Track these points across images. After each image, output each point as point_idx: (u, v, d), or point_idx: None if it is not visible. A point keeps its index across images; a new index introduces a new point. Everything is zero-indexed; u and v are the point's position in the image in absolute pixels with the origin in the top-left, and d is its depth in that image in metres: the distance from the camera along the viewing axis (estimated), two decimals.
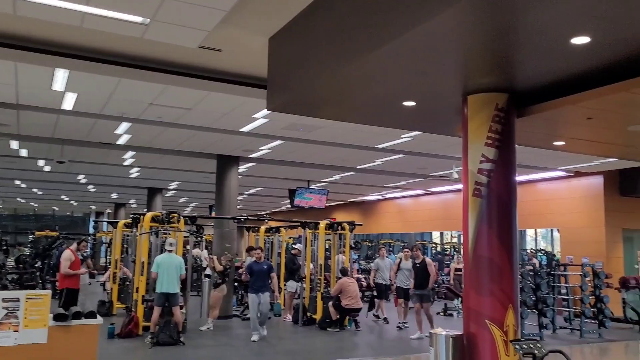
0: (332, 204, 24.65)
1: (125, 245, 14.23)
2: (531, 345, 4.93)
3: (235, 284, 13.55)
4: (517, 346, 4.88)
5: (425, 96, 5.89)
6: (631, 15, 3.73)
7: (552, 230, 16.69)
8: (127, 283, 12.53)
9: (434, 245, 23.35)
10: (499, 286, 5.46)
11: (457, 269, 13.96)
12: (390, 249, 26.22)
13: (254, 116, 9.00)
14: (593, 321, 11.51)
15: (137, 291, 10.06)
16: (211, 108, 8.64)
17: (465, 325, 5.65)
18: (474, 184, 5.66)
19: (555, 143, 7.23)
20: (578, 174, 14.33)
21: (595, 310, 11.46)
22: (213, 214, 14.85)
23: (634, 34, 4.08)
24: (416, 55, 4.62)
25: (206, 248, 17.95)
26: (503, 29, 4.09)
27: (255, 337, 9.45)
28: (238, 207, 14.15)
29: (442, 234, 22.52)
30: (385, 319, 12.36)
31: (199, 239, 13.54)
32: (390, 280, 12.44)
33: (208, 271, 12.05)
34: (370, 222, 22.89)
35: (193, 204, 28.57)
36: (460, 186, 17.42)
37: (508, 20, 3.92)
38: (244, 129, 10.00)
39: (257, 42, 6.22)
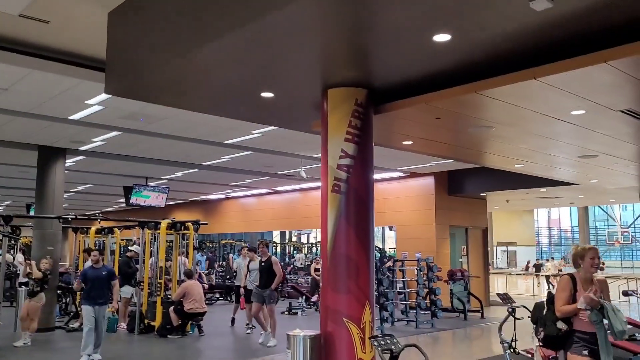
0: (172, 203, 23.40)
1: None
2: (388, 341, 4.90)
3: (59, 291, 12.07)
4: (375, 343, 4.81)
5: (284, 87, 5.62)
6: (484, 15, 3.82)
7: (383, 228, 17.61)
8: None
9: (274, 244, 23.38)
10: (356, 283, 5.39)
11: (316, 269, 13.97)
12: (232, 249, 25.78)
13: (87, 102, 7.96)
14: (426, 312, 12.27)
15: None
16: (33, 89, 7.46)
17: (322, 324, 5.49)
18: (334, 180, 5.53)
19: (405, 142, 7.46)
20: (413, 174, 15.26)
21: (428, 302, 12.23)
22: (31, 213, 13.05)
23: (488, 35, 4.22)
24: (272, 43, 4.35)
25: (22, 252, 15.90)
26: (360, 23, 3.99)
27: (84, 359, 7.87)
28: (64, 205, 12.59)
29: (282, 233, 22.64)
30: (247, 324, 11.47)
31: (13, 242, 11.79)
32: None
33: (23, 278, 10.46)
34: (213, 221, 22.16)
35: (6, 203, 25.26)
36: (305, 185, 17.46)
37: (365, 15, 3.83)
38: (74, 117, 8.84)
39: (94, 16, 5.42)
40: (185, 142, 10.77)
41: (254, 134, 10.15)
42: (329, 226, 5.51)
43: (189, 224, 11.49)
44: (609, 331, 4.19)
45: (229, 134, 10.32)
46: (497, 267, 37.78)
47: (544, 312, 4.56)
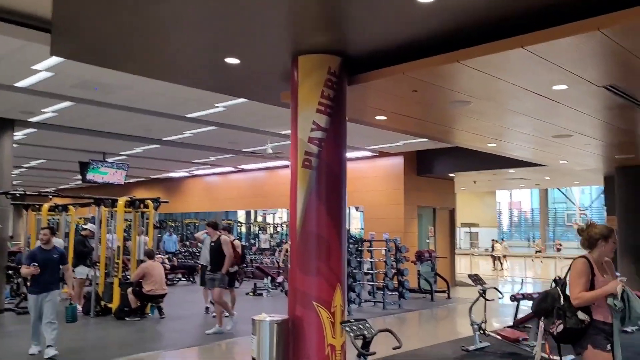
0: (132, 180, 22.61)
1: None
2: (360, 326, 4.60)
3: (9, 271, 11.40)
4: (347, 328, 4.50)
5: (250, 53, 5.18)
6: None
7: (349, 208, 17.37)
8: None
9: (239, 224, 22.91)
10: (327, 264, 5.06)
11: (287, 250, 13.55)
12: (195, 229, 25.19)
13: (34, 67, 7.31)
14: (394, 293, 12.10)
15: None
16: None
17: (290, 308, 5.15)
18: (304, 154, 5.15)
19: (378, 118, 7.11)
20: (382, 154, 14.99)
21: (396, 283, 12.05)
22: None
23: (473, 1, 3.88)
24: (236, 1, 3.90)
25: None
26: None
27: (34, 350, 7.12)
28: (15, 182, 11.85)
29: (247, 213, 22.18)
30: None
31: None
32: None
33: None
34: (175, 200, 21.53)
35: None
36: (272, 164, 17.01)
37: None
38: (21, 84, 8.15)
39: None
40: (145, 114, 10.17)
41: (218, 107, 9.64)
42: (298, 203, 5.13)
43: (149, 201, 10.94)
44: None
45: (191, 107, 9.78)
46: (460, 248, 38.26)
47: (562, 302, 3.91)
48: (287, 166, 17.17)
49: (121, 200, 10.76)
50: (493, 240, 26.62)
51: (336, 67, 5.20)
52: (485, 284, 8.23)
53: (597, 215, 43.15)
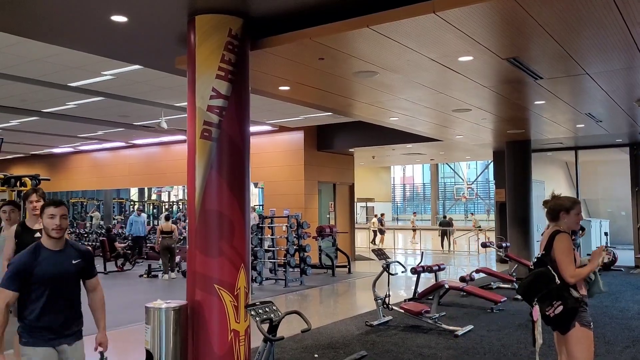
0: (9, 157, 20.56)
1: None
2: (267, 309, 4.29)
3: None
4: (252, 312, 4.17)
5: (140, 9, 4.59)
6: None
7: None
8: None
9: (132, 203, 21.67)
10: (230, 244, 4.68)
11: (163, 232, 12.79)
12: (83, 208, 23.52)
13: None
14: (295, 270, 11.94)
15: None
16: None
17: (189, 293, 4.73)
18: (203, 124, 4.68)
19: (281, 88, 6.75)
20: (282, 129, 14.67)
21: (298, 259, 11.89)
22: None
23: None
24: None
25: None
26: None
27: None
28: None
29: (140, 190, 21.02)
30: None
31: None
32: None
33: None
34: (59, 178, 19.86)
35: None
36: (166, 138, 16.11)
37: None
38: None
39: None
40: (20, 82, 9.05)
41: (105, 75, 8.78)
42: (197, 178, 4.68)
43: (27, 179, 9.84)
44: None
45: (74, 75, 8.82)
46: (357, 223, 39.16)
47: (557, 282, 3.65)
48: (183, 141, 16.47)
49: None
50: (375, 215, 27.21)
51: (238, 29, 4.76)
52: (389, 258, 8.24)
53: (482, 188, 46.11)
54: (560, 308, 3.65)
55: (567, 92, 7.14)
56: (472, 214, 31.06)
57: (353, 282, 12.42)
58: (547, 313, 3.70)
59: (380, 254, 8.26)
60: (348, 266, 13.79)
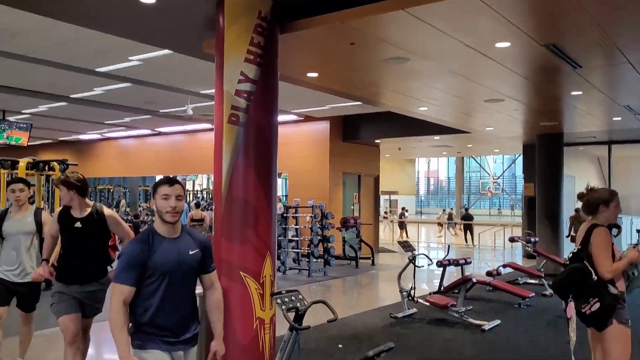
0: (38, 142, 20.86)
1: None
2: (293, 298, 4.20)
3: None
4: (278, 300, 4.08)
5: None
6: None
7: None
8: None
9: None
10: (256, 232, 4.59)
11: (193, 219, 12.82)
12: (110, 195, 23.83)
13: None
14: (318, 260, 11.86)
15: None
16: None
17: None
18: (231, 109, 4.58)
19: (309, 75, 6.62)
20: (307, 118, 14.55)
21: (321, 249, 11.81)
22: None
23: None
24: None
25: None
26: None
27: None
28: None
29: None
30: None
31: None
32: None
33: None
34: (86, 164, 20.06)
35: None
36: (191, 127, 16.12)
37: None
38: None
39: None
40: (48, 67, 9.07)
41: (132, 60, 8.74)
42: (223, 165, 4.59)
43: (55, 164, 9.91)
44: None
45: (101, 59, 8.81)
46: (381, 215, 38.93)
47: (594, 279, 3.51)
48: (208, 130, 16.49)
49: (22, 162, 9.68)
50: (402, 208, 26.97)
51: (267, 11, 4.64)
52: (414, 250, 8.10)
53: (508, 183, 45.42)
54: (597, 305, 3.50)
55: (606, 82, 6.87)
56: (443, 210, 30.05)
57: (376, 274, 12.30)
58: (583, 310, 3.56)
59: (406, 245, 8.11)
60: (372, 258, 13.66)
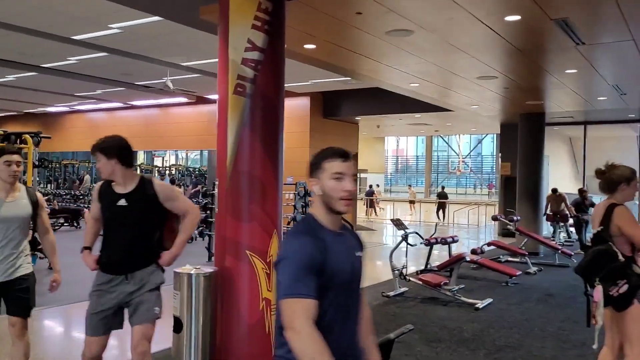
0: (3, 114, 19.96)
1: None
2: None
3: None
4: None
5: None
6: None
7: None
8: None
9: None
10: (263, 208, 4.38)
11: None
12: (75, 170, 23.10)
13: None
14: None
15: None
16: None
17: (218, 259, 4.45)
18: (237, 79, 4.32)
19: (306, 46, 6.36)
20: (288, 94, 14.15)
21: None
22: None
23: None
24: None
25: None
26: None
27: None
28: None
29: (134, 154, 20.64)
30: None
31: None
32: None
33: None
34: (54, 138, 19.20)
35: None
36: (165, 100, 15.57)
37: None
38: None
39: None
40: (20, 33, 8.55)
41: (113, 28, 8.30)
42: (229, 138, 4.34)
43: (27, 136, 9.41)
44: None
45: (79, 27, 8.35)
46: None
47: (620, 260, 3.41)
48: (182, 104, 16.01)
49: None
50: (370, 186, 27.01)
51: None
52: (407, 228, 8.02)
53: (474, 163, 46.07)
54: (625, 287, 3.41)
55: (604, 60, 6.85)
56: (409, 186, 30.59)
57: None
58: (611, 293, 3.44)
59: (398, 224, 8.03)
60: None
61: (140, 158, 21.37)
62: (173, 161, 24.36)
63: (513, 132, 13.04)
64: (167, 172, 21.83)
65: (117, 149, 3.30)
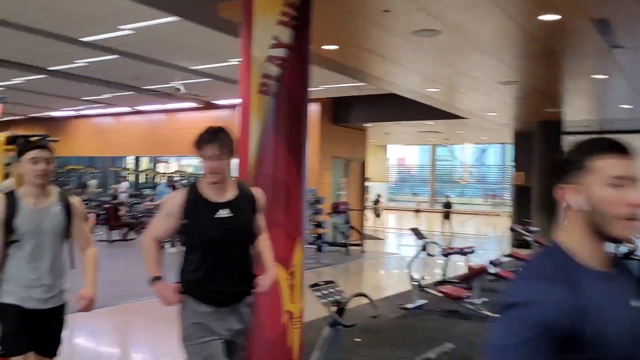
0: (8, 118, 19.73)
1: None
2: (331, 290, 3.78)
3: None
4: (318, 293, 3.66)
5: None
6: None
7: None
8: None
9: (127, 171, 20.99)
10: (287, 214, 4.13)
11: None
12: (80, 176, 22.84)
13: None
14: (310, 246, 11.44)
15: None
16: None
17: None
18: (261, 77, 4.07)
19: (325, 47, 6.12)
20: None
21: (315, 235, 11.40)
22: None
23: None
24: None
25: None
26: None
27: None
28: None
29: (136, 160, 20.44)
30: None
31: None
32: None
33: None
34: (59, 143, 19.03)
35: None
36: (172, 106, 15.36)
37: None
38: None
39: None
40: (27, 34, 8.33)
41: (123, 30, 8.09)
42: (252, 139, 4.10)
43: (35, 139, 9.16)
44: None
45: (89, 28, 8.13)
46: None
47: None
48: (189, 109, 15.76)
49: (2, 136, 8.97)
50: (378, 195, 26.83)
51: None
52: (426, 238, 7.74)
53: (478, 173, 45.73)
54: None
55: (637, 66, 6.60)
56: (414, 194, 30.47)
57: (369, 261, 11.97)
58: None
59: (417, 233, 7.75)
60: (361, 244, 13.33)
61: (139, 164, 21.10)
62: (176, 168, 24.14)
63: (527, 141, 12.77)
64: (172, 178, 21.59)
65: (229, 141, 2.57)
